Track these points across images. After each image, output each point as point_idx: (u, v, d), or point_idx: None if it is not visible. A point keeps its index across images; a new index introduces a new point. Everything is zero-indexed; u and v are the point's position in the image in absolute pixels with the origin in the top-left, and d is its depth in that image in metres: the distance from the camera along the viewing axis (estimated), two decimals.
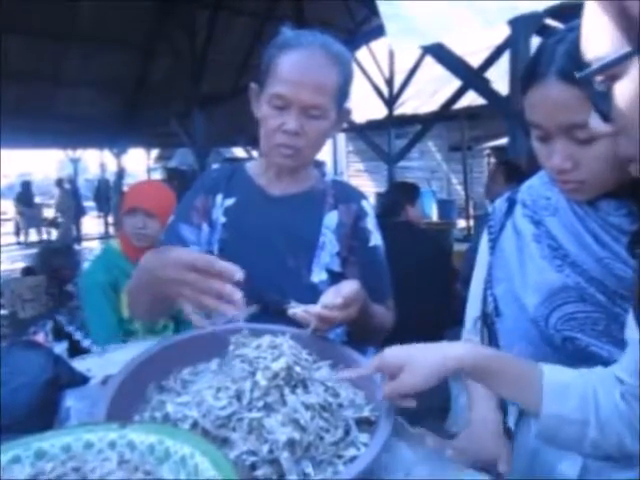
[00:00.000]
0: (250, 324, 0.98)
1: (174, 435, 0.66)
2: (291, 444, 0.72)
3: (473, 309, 1.13)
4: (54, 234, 13.10)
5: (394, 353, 0.82)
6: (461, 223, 9.58)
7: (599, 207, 0.90)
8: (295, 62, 1.12)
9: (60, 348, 1.22)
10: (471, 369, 0.78)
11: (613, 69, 0.50)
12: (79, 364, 1.08)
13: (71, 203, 13.24)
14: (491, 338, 1.06)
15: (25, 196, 13.95)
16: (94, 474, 0.55)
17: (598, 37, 0.51)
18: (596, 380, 0.78)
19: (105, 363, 1.17)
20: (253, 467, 0.71)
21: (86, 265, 2.28)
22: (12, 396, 0.82)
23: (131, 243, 2.03)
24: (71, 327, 2.64)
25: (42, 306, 5.13)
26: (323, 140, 1.22)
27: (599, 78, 0.52)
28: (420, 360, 0.78)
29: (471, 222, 8.74)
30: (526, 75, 0.87)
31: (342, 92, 1.18)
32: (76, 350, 1.58)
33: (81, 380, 0.97)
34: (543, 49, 0.86)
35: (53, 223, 13.74)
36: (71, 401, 0.88)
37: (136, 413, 0.82)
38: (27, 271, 6.37)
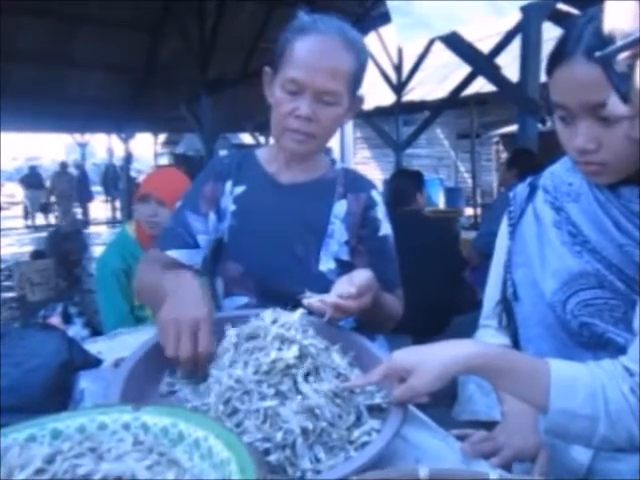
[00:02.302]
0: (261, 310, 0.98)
1: (188, 418, 0.67)
2: (304, 432, 0.72)
3: (492, 294, 1.12)
4: (59, 218, 13.05)
5: (402, 357, 0.82)
6: (468, 211, 9.54)
7: (621, 194, 0.89)
8: (311, 47, 1.11)
9: (73, 331, 1.23)
10: (479, 369, 0.79)
11: (637, 47, 0.49)
12: (91, 347, 1.09)
13: (73, 187, 13.11)
14: (509, 322, 1.06)
15: (32, 179, 13.89)
16: (110, 454, 0.56)
17: (622, 14, 0.50)
18: (604, 374, 0.78)
19: (116, 346, 1.18)
20: (266, 452, 0.72)
21: (101, 251, 2.28)
22: (28, 377, 0.83)
23: (145, 230, 2.04)
24: (78, 319, 2.66)
25: (51, 290, 5.18)
26: (335, 127, 1.21)
27: (622, 57, 0.51)
28: (428, 363, 0.78)
29: (478, 210, 8.71)
30: (553, 54, 0.87)
31: (356, 79, 1.17)
32: None
33: (94, 363, 0.98)
34: (572, 28, 0.85)
35: (47, 206, 13.59)
36: (85, 383, 0.89)
37: (148, 395, 0.82)
38: (36, 255, 6.41)
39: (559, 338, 0.95)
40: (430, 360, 0.79)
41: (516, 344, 1.06)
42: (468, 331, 1.24)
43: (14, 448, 0.53)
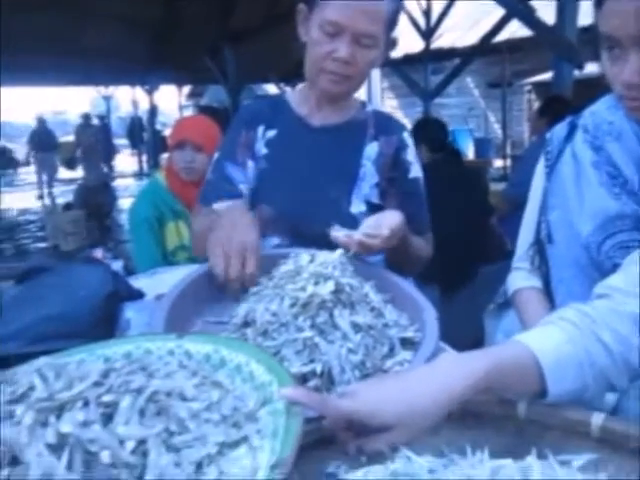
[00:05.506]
0: (296, 249, 1.00)
1: (229, 345, 0.70)
2: (342, 365, 0.75)
3: (525, 236, 1.11)
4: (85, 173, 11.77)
5: (369, 408, 0.60)
6: (498, 162, 9.36)
7: None
8: None
9: (117, 266, 1.27)
10: (477, 393, 0.67)
11: None
12: (132, 283, 1.12)
13: (98, 141, 11.99)
14: (541, 265, 1.06)
15: (42, 138, 12.46)
16: (159, 373, 0.59)
17: None
18: (583, 336, 0.74)
19: (156, 283, 1.22)
20: (304, 379, 0.75)
21: (128, 203, 2.32)
22: (77, 306, 0.87)
23: (178, 177, 2.05)
24: (115, 263, 2.73)
25: (83, 239, 5.30)
26: (370, 69, 1.20)
27: None
28: (414, 414, 0.61)
29: (508, 162, 8.53)
30: None
31: (392, 21, 1.16)
32: None
33: (137, 295, 1.02)
34: None
35: (72, 161, 12.42)
36: (130, 313, 0.93)
37: (190, 325, 0.86)
38: (67, 207, 6.55)
39: (592, 279, 0.95)
40: (420, 412, 0.62)
41: (547, 286, 1.07)
42: (495, 281, 1.24)
43: (71, 364, 0.57)
